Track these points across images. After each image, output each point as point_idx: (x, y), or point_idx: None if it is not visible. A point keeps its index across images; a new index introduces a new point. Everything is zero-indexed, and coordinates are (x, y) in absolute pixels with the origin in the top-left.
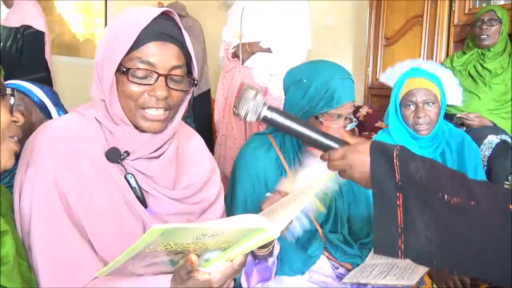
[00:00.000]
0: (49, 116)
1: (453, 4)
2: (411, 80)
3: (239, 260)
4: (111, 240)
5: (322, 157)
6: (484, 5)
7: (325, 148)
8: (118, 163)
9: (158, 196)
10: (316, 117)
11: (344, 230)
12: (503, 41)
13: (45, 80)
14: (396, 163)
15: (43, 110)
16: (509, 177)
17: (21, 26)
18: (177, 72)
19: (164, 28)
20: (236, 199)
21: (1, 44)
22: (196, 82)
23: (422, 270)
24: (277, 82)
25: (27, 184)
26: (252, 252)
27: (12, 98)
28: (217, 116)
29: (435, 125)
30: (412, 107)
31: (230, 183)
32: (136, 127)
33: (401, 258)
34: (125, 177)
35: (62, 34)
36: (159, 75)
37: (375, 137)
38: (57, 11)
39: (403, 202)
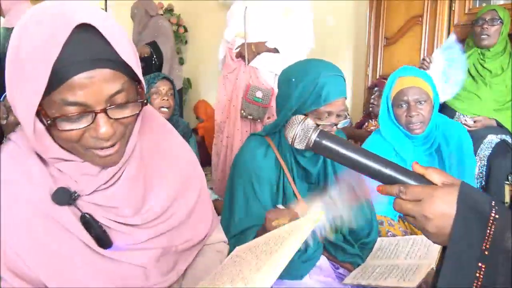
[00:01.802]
0: None
1: (453, 4)
2: (402, 79)
3: None
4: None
5: (384, 191)
6: (484, 5)
7: (391, 182)
8: (70, 204)
9: (123, 229)
10: (306, 116)
11: (344, 230)
12: (503, 41)
13: None
14: (490, 228)
15: None
16: (509, 177)
17: None
18: (118, 99)
19: (86, 50)
20: (237, 200)
21: (5, 45)
22: (146, 101)
23: (423, 272)
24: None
25: None
26: None
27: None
28: (219, 117)
29: (429, 123)
30: (405, 106)
31: (229, 185)
32: None
33: None
34: (81, 220)
35: None
36: (96, 112)
37: (368, 139)
38: None
39: (484, 275)
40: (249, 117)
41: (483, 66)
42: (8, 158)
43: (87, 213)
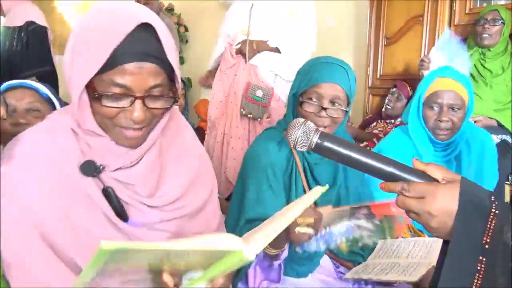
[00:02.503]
0: (54, 108)
1: (454, 4)
2: (440, 80)
3: (220, 281)
4: (90, 252)
5: (386, 188)
6: (484, 5)
7: (393, 179)
8: (94, 176)
9: (139, 207)
10: (301, 104)
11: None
12: (504, 41)
13: (51, 74)
14: (491, 223)
15: (49, 104)
16: (509, 177)
17: (25, 23)
18: (156, 91)
19: (141, 44)
20: (249, 194)
21: (6, 44)
22: (177, 98)
23: (424, 269)
24: (281, 83)
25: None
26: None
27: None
28: (213, 113)
29: (457, 131)
30: (436, 109)
31: (240, 180)
32: None
33: None
34: (103, 191)
35: (62, 34)
36: (136, 98)
37: (390, 134)
38: (58, 11)
39: (485, 268)
40: (248, 116)
41: (484, 66)
42: (45, 132)
43: (109, 187)
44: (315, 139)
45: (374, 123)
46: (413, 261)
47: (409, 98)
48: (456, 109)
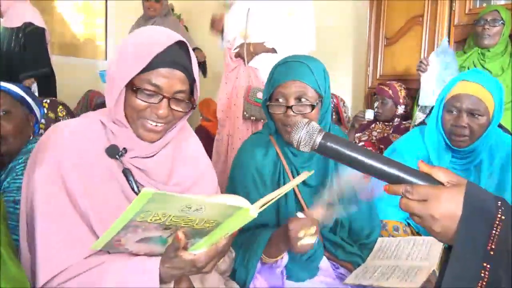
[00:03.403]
0: (31, 110)
1: (454, 4)
2: (463, 83)
3: (223, 242)
4: (109, 224)
5: (390, 190)
6: (484, 5)
7: (397, 181)
8: (117, 159)
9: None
10: (268, 108)
11: (343, 234)
12: (504, 42)
13: (47, 75)
14: (496, 229)
15: (25, 105)
16: None
17: (22, 24)
18: (180, 96)
19: (175, 56)
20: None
21: (4, 45)
22: (195, 106)
23: (425, 273)
24: None
25: (35, 176)
26: (260, 260)
27: None
28: (220, 114)
29: (477, 139)
30: (455, 113)
31: (230, 184)
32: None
33: None
34: (123, 172)
35: (62, 34)
36: (164, 97)
37: (407, 133)
38: (58, 11)
39: (489, 275)
40: (252, 118)
41: (483, 67)
42: (79, 121)
43: (127, 168)
44: (319, 139)
45: (373, 125)
46: (414, 263)
47: (395, 98)
48: (476, 115)
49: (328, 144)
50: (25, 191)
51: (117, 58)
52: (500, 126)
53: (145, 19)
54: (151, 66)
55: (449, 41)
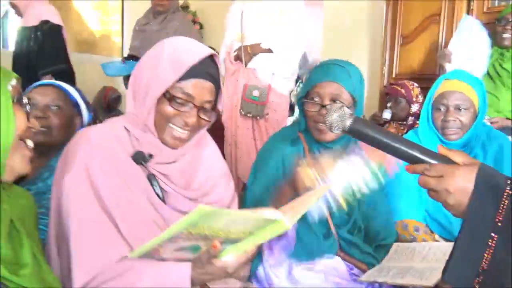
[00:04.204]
0: (80, 112)
1: (472, 3)
2: (447, 81)
3: (252, 250)
4: (137, 229)
5: (411, 169)
6: (503, 3)
7: (417, 162)
8: (142, 164)
9: (174, 195)
10: (304, 105)
11: (359, 238)
12: None
13: (65, 71)
14: (504, 202)
15: (76, 107)
16: None
17: (40, 22)
18: (208, 105)
19: (208, 67)
20: (255, 188)
21: (24, 43)
22: (220, 114)
23: (439, 273)
24: (279, 80)
25: (65, 182)
26: None
27: (28, 106)
28: (224, 116)
29: (468, 130)
30: (443, 110)
31: (252, 175)
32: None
33: None
34: (147, 177)
35: (79, 31)
36: (195, 106)
37: (405, 136)
38: (74, 9)
39: (496, 244)
40: (248, 115)
41: (502, 66)
42: (105, 128)
43: (151, 174)
44: (349, 122)
45: (387, 124)
46: (428, 265)
47: (408, 97)
48: (463, 109)
49: (357, 127)
50: (55, 196)
51: (151, 66)
52: None
53: (154, 15)
54: (186, 75)
55: None
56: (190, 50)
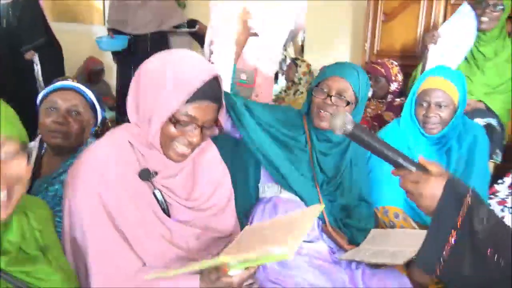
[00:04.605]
0: (95, 114)
1: None
2: (431, 78)
3: (255, 268)
4: (146, 243)
5: (395, 173)
6: None
7: (400, 168)
8: (149, 180)
9: (177, 206)
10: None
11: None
12: (499, 27)
13: (48, 43)
14: (464, 210)
15: (92, 109)
16: (493, 156)
17: None
18: (211, 122)
19: (212, 89)
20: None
21: (4, 21)
22: (222, 128)
23: (408, 254)
24: (265, 63)
25: (77, 202)
26: None
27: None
28: None
29: (446, 126)
30: (425, 106)
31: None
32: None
33: (435, 278)
34: (153, 193)
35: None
36: (198, 126)
37: (387, 126)
38: None
39: (455, 241)
40: None
41: (478, 50)
42: (110, 145)
43: (157, 189)
44: (350, 127)
45: (367, 102)
46: (400, 248)
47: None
48: (443, 106)
49: (357, 133)
50: (67, 215)
51: (154, 89)
52: (487, 109)
53: None
54: (190, 99)
55: (445, 20)
56: (194, 72)
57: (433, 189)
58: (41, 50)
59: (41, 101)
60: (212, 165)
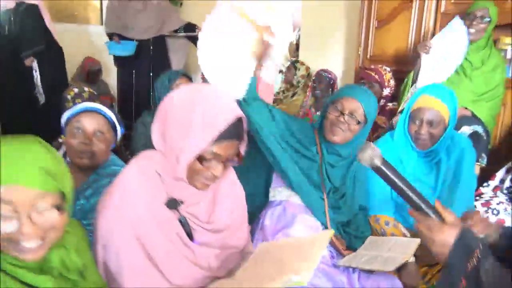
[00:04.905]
0: (116, 132)
1: None
2: (425, 97)
3: None
4: (174, 267)
5: (411, 213)
6: None
7: (418, 209)
8: (175, 209)
9: (199, 230)
10: (328, 109)
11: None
12: (486, 37)
13: (50, 48)
14: (473, 262)
15: (113, 128)
16: (479, 159)
17: (15, 4)
18: (233, 156)
19: (236, 129)
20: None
21: (5, 28)
22: (242, 158)
23: (399, 261)
24: (266, 72)
25: (114, 236)
26: None
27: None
28: None
29: (436, 142)
30: (418, 123)
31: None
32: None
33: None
34: (179, 220)
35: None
36: (222, 161)
37: (381, 138)
38: None
39: (465, 285)
40: None
41: (466, 58)
42: (141, 173)
43: (183, 216)
44: (377, 162)
45: None
46: (392, 255)
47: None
48: (434, 124)
49: (383, 168)
50: (100, 241)
51: (182, 128)
52: (474, 116)
53: None
54: (216, 139)
55: (435, 28)
56: (220, 115)
57: (445, 238)
58: (41, 56)
59: (67, 121)
60: (230, 189)
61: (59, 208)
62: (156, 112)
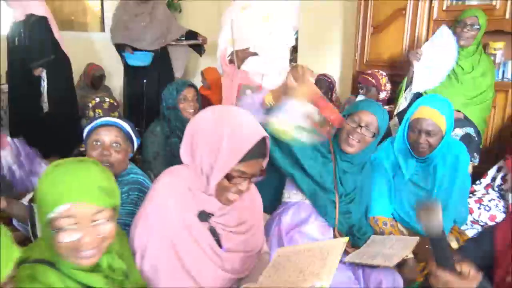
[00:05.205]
0: (132, 143)
1: (433, 1)
2: (423, 108)
3: None
4: (204, 271)
5: (432, 267)
6: (460, 3)
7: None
8: (206, 221)
9: (225, 234)
10: (347, 119)
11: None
12: (476, 43)
13: (54, 62)
14: None
15: (129, 139)
16: (471, 159)
17: (26, 16)
18: (258, 173)
19: (261, 148)
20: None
21: (16, 39)
22: (263, 175)
23: (399, 257)
24: (268, 79)
25: (149, 241)
26: None
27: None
28: None
29: (433, 149)
30: (416, 133)
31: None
32: None
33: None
34: (209, 229)
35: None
36: (248, 178)
37: (382, 144)
38: None
39: None
40: None
41: (458, 63)
42: (172, 188)
43: (213, 226)
44: (437, 231)
45: None
46: (393, 251)
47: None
48: (432, 134)
49: (440, 237)
50: (138, 252)
51: (211, 150)
52: (466, 118)
53: (136, 2)
54: (242, 158)
55: (428, 34)
56: (247, 136)
57: None
58: (49, 67)
59: (88, 135)
60: (252, 196)
61: (111, 220)
62: (184, 131)
